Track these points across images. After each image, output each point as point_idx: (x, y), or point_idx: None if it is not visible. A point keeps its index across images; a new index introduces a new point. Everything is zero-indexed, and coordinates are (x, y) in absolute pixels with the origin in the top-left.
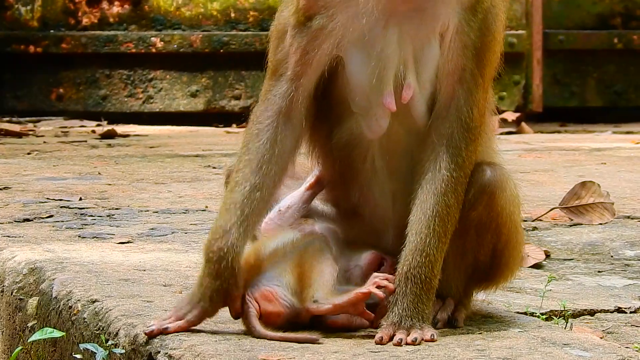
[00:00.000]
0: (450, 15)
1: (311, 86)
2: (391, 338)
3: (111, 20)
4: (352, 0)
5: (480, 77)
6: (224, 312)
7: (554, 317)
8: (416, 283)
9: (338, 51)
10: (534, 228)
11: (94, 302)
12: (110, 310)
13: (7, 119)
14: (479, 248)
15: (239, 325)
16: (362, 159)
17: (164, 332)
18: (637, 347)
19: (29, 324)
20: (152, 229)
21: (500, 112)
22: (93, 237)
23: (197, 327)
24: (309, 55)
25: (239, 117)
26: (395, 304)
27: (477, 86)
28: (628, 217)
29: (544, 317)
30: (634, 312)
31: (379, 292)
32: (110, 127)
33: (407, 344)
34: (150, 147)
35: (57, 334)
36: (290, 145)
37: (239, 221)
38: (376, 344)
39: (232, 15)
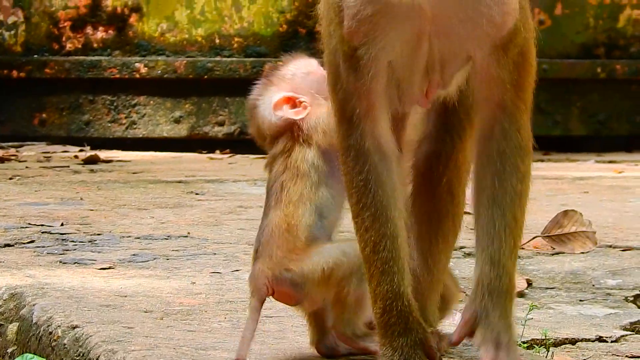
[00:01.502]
0: (478, 54)
1: (384, 109)
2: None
3: (95, 45)
4: (389, 25)
5: (522, 103)
6: None
7: (535, 346)
8: (500, 294)
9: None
10: None
11: (74, 328)
12: (90, 336)
13: None
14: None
15: None
16: None
17: None
18: None
19: (9, 350)
20: (134, 255)
21: None
22: (74, 263)
23: None
24: (368, 85)
25: (223, 144)
26: (487, 317)
27: (520, 111)
28: (610, 246)
29: (525, 345)
30: (615, 341)
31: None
32: (93, 152)
33: None
34: (133, 173)
35: (37, 359)
36: (395, 174)
37: (402, 277)
38: None
39: (217, 41)
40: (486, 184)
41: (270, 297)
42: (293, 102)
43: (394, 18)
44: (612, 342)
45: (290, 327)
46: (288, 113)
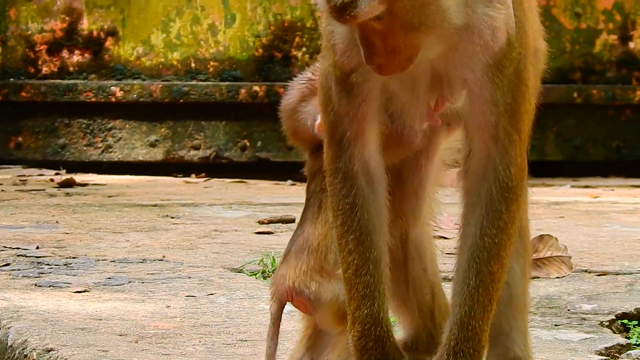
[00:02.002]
0: (472, 72)
1: (374, 132)
2: None
3: (71, 69)
4: None
5: (516, 132)
6: None
7: None
8: (465, 355)
9: (378, 99)
10: None
11: (49, 351)
12: (65, 359)
13: None
14: None
15: None
16: None
17: None
18: None
19: None
20: (109, 278)
21: None
22: (49, 286)
23: None
24: (359, 109)
25: (198, 167)
26: None
27: (513, 142)
28: (585, 270)
29: None
30: None
31: None
32: (68, 176)
33: None
34: (109, 197)
35: None
36: (382, 197)
37: (382, 302)
38: None
39: (193, 65)
40: (469, 231)
41: (290, 302)
42: None
43: None
44: None
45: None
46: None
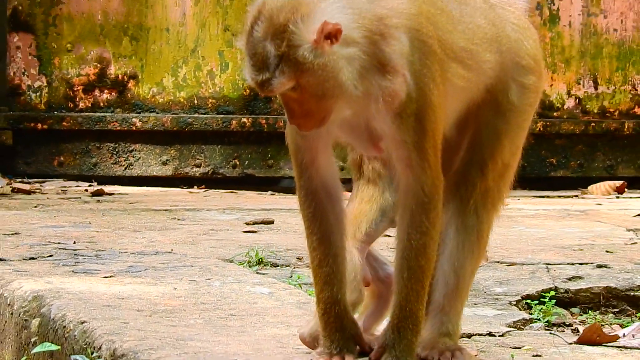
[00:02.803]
0: (384, 122)
1: (328, 158)
2: None
3: (101, 104)
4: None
5: (425, 162)
6: None
7: None
8: (405, 331)
9: (327, 133)
10: None
11: (82, 322)
12: (95, 329)
13: (20, 180)
14: None
15: None
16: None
17: None
18: None
19: (32, 340)
20: (130, 266)
21: None
22: (83, 272)
23: None
24: (311, 143)
25: (199, 181)
26: (392, 347)
27: (424, 169)
28: (498, 262)
29: None
30: (502, 335)
31: None
32: (99, 187)
33: None
34: (130, 203)
35: (53, 347)
36: (339, 206)
37: (340, 288)
38: None
39: (195, 102)
40: (401, 236)
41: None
42: None
43: None
44: (499, 336)
45: (249, 323)
46: None
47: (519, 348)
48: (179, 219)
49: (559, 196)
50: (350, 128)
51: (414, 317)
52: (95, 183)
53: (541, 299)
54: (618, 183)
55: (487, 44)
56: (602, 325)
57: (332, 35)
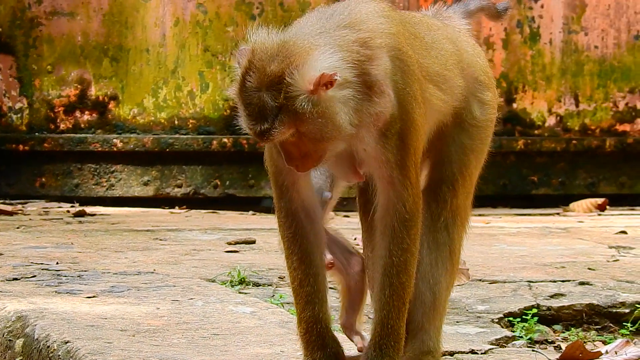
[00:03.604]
0: (368, 144)
1: (307, 181)
2: None
3: (82, 125)
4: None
5: (407, 179)
6: None
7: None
8: (387, 347)
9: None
10: None
11: (66, 342)
12: (79, 349)
13: (2, 201)
14: None
15: None
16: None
17: None
18: None
19: None
20: (112, 286)
21: None
22: (66, 293)
23: None
24: (291, 171)
25: (181, 201)
26: None
27: (405, 187)
28: (480, 280)
29: None
30: (484, 353)
31: None
32: (81, 208)
33: None
34: (112, 224)
35: None
36: (319, 226)
37: (321, 306)
38: None
39: (176, 122)
40: (381, 253)
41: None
42: None
43: None
44: (482, 354)
45: (232, 342)
46: None
47: None
48: (161, 239)
49: (541, 214)
50: (334, 157)
51: (395, 334)
52: (77, 204)
53: (523, 317)
54: (600, 200)
55: (458, 70)
56: (584, 342)
57: (328, 83)
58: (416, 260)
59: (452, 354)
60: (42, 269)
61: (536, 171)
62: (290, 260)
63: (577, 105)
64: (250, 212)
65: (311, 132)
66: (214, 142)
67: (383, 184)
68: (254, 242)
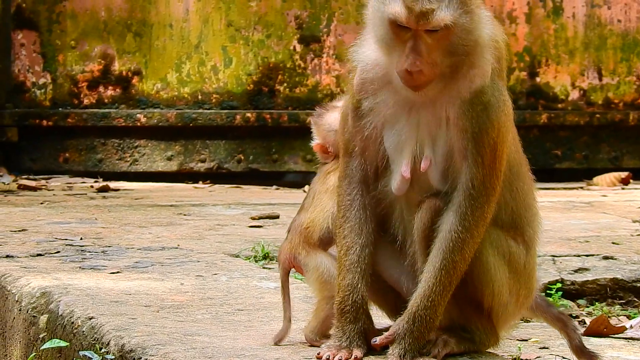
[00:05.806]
0: (451, 107)
1: (375, 155)
2: None
3: (106, 100)
4: (386, 90)
5: (480, 156)
6: None
7: None
8: (421, 323)
9: (381, 128)
10: None
11: (90, 318)
12: (103, 325)
13: (25, 177)
14: None
15: None
16: (392, 209)
17: None
18: None
19: (40, 336)
20: (137, 262)
21: None
22: (90, 269)
23: None
24: (366, 132)
25: (204, 176)
26: (403, 338)
27: (478, 164)
28: None
29: None
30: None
31: None
32: (104, 183)
33: None
34: (136, 199)
35: (62, 343)
36: (371, 200)
37: (361, 277)
38: None
39: (199, 97)
40: (442, 227)
41: (293, 269)
42: (325, 149)
43: (389, 82)
44: None
45: (256, 318)
46: (321, 157)
47: (526, 340)
48: (184, 215)
49: (564, 188)
50: (397, 138)
51: (433, 311)
52: (101, 179)
53: (547, 291)
54: (623, 174)
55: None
56: (609, 316)
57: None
58: (475, 246)
59: None
60: (66, 245)
61: (559, 145)
62: (341, 229)
63: (600, 79)
64: (274, 187)
65: (458, 32)
66: (237, 116)
67: (459, 158)
68: (277, 216)
